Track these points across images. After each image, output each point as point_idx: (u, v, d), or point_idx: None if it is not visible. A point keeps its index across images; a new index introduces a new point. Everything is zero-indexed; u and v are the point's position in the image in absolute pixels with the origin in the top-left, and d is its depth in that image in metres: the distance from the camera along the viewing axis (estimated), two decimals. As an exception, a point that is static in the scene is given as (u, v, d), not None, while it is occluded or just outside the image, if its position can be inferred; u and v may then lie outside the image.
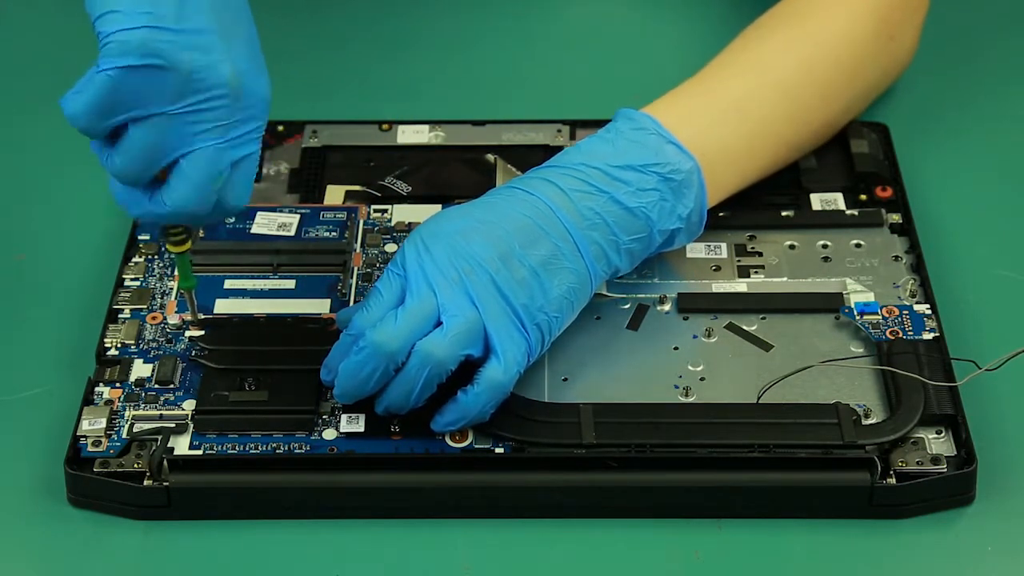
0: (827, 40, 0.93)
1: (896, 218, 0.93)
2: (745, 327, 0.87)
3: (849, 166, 0.96)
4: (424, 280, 0.81)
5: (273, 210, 0.94)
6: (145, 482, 0.80)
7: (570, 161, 0.85)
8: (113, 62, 0.73)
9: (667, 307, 0.88)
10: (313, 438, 0.82)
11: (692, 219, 0.86)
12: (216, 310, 0.88)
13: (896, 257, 0.91)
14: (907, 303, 0.88)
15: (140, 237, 0.93)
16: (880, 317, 0.87)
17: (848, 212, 0.94)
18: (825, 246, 0.92)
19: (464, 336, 0.80)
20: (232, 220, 0.93)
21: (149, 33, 0.73)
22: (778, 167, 0.94)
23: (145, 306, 0.89)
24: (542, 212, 0.83)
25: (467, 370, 0.80)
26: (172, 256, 0.84)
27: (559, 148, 0.99)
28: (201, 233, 0.92)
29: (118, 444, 0.81)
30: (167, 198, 0.77)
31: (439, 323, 0.80)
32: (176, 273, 0.85)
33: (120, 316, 0.88)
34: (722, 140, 0.88)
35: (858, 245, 0.92)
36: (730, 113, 0.89)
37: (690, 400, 0.84)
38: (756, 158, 0.91)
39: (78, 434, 0.82)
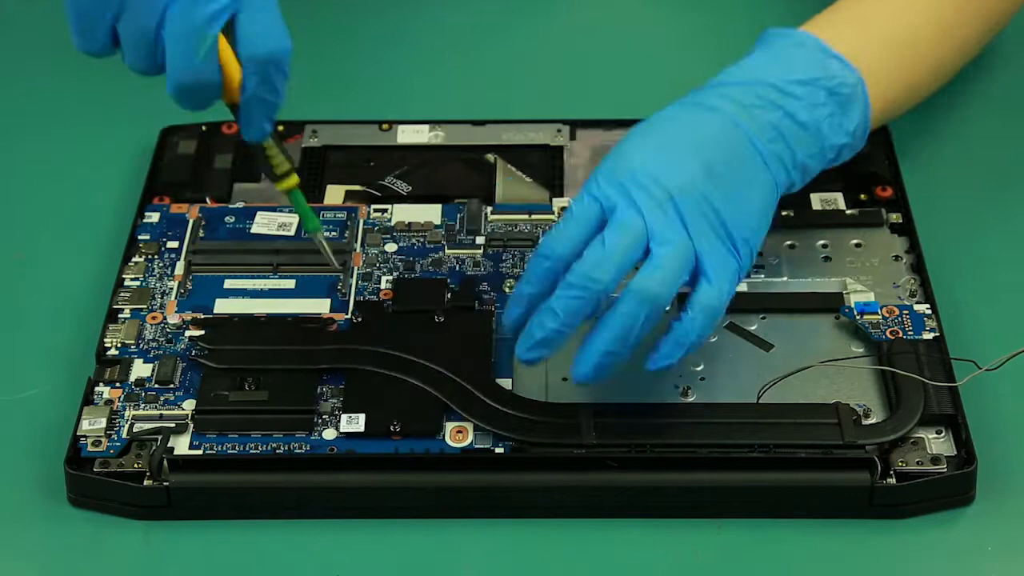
0: None
1: (896, 218, 0.93)
2: (745, 327, 0.87)
3: (849, 166, 0.96)
4: (630, 203, 0.78)
5: (273, 210, 0.94)
6: (145, 482, 0.80)
7: (738, 78, 0.84)
8: None
9: (667, 307, 0.88)
10: (313, 438, 0.82)
11: (857, 134, 0.86)
12: (216, 310, 0.88)
13: (896, 257, 0.91)
14: (907, 303, 0.88)
15: (140, 237, 0.93)
16: (880, 317, 0.87)
17: (848, 212, 0.94)
18: (825, 246, 0.92)
19: (680, 266, 0.77)
20: (232, 220, 0.93)
21: None
22: (924, 94, 0.93)
23: (145, 306, 0.89)
24: (730, 128, 0.82)
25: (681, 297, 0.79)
26: (288, 196, 0.81)
27: (559, 148, 0.99)
28: (201, 233, 0.93)
29: (118, 444, 0.81)
30: (168, 75, 0.73)
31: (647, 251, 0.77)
32: (301, 217, 0.81)
33: (120, 316, 0.88)
34: (873, 59, 0.87)
35: (858, 245, 0.92)
36: (878, 33, 0.88)
37: (690, 400, 0.84)
38: (903, 78, 0.90)
39: (78, 434, 0.82)
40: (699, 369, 0.85)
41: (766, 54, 0.86)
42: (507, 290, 0.89)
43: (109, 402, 0.83)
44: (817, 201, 0.94)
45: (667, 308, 0.79)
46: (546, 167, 0.98)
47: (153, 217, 0.94)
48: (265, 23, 0.73)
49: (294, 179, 0.80)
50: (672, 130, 0.82)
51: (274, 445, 0.81)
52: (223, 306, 0.88)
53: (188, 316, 0.88)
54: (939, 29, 0.92)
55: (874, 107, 0.88)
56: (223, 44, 0.74)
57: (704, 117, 0.83)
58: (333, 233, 0.93)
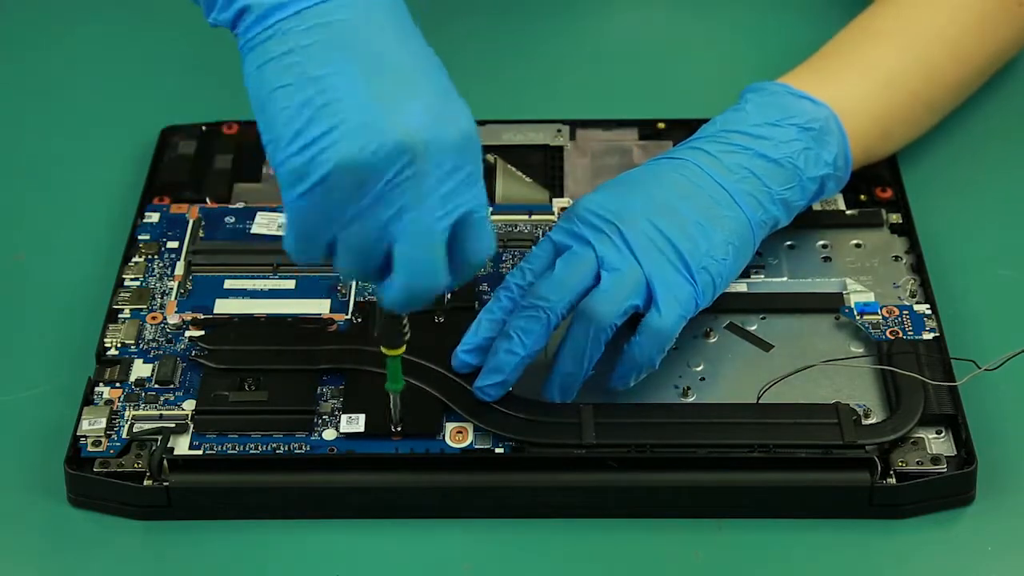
0: (956, 4, 0.96)
1: (896, 218, 0.93)
2: (745, 327, 0.87)
3: (849, 166, 0.96)
4: (580, 237, 0.82)
5: (273, 210, 0.94)
6: (145, 482, 0.80)
7: (708, 132, 0.88)
8: (289, 194, 0.70)
9: (614, 327, 0.87)
10: (313, 438, 0.82)
11: (838, 164, 0.89)
12: (216, 310, 0.88)
13: (896, 257, 0.91)
14: (907, 303, 0.88)
15: (140, 237, 0.93)
16: (880, 317, 0.87)
17: (848, 212, 0.94)
18: (825, 246, 0.92)
19: (627, 290, 0.81)
20: (232, 220, 0.93)
21: (304, 154, 0.69)
22: (921, 128, 0.96)
23: (145, 306, 0.89)
24: (692, 171, 0.85)
25: (638, 321, 0.82)
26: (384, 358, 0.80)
27: (559, 148, 0.99)
28: (201, 233, 0.93)
29: (118, 444, 0.81)
30: (397, 283, 0.72)
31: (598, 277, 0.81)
32: (388, 377, 0.80)
33: (120, 316, 0.88)
34: (854, 97, 0.91)
35: (858, 245, 0.92)
36: (859, 72, 0.92)
37: (690, 400, 0.84)
38: (893, 115, 0.93)
39: (78, 434, 0.82)
40: (699, 369, 0.85)
41: (737, 110, 0.89)
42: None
43: (109, 402, 0.83)
44: (817, 201, 0.94)
45: (615, 328, 0.81)
46: (546, 167, 0.98)
47: (153, 217, 0.94)
48: (483, 232, 0.74)
49: (403, 348, 0.78)
50: (630, 176, 0.86)
51: (274, 445, 0.81)
52: (223, 306, 0.88)
53: (188, 316, 0.88)
54: (921, 71, 0.94)
55: (864, 142, 0.91)
56: None
57: (666, 165, 0.86)
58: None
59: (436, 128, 0.71)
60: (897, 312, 0.87)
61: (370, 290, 0.89)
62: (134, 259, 0.92)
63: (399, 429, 0.82)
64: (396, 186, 0.70)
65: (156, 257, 0.92)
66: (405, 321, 0.77)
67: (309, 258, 0.73)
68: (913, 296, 0.89)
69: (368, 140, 0.69)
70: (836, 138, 0.89)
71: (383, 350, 0.78)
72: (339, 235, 0.72)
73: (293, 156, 0.70)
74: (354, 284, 0.89)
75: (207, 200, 0.95)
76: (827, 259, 0.91)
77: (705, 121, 0.92)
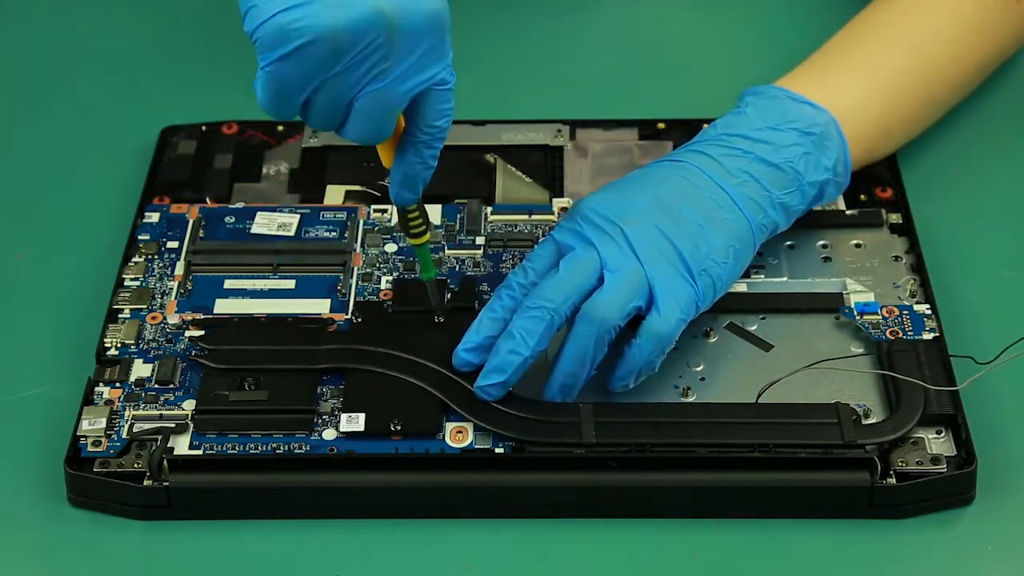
0: (954, 3, 0.96)
1: (896, 218, 0.93)
2: (745, 327, 0.87)
3: (849, 166, 0.96)
4: (584, 238, 0.83)
5: (273, 210, 0.94)
6: (145, 482, 0.80)
7: (709, 136, 0.88)
8: (265, 57, 0.74)
9: (617, 328, 0.87)
10: (313, 438, 0.82)
11: (838, 169, 0.89)
12: (216, 310, 0.88)
13: (896, 257, 0.91)
14: (907, 303, 0.88)
15: (140, 237, 0.93)
16: (880, 317, 0.87)
17: (848, 212, 0.94)
18: (825, 246, 0.92)
19: (629, 291, 0.81)
20: (232, 220, 0.93)
21: (282, 17, 0.73)
22: (921, 126, 0.97)
23: (145, 306, 0.89)
24: (694, 174, 0.85)
25: (639, 323, 0.82)
26: (412, 248, 0.85)
27: (559, 148, 0.99)
28: (201, 233, 0.93)
29: (118, 444, 0.81)
30: (347, 134, 0.77)
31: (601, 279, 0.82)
32: (418, 265, 0.86)
33: (120, 316, 0.88)
34: (854, 97, 0.91)
35: (858, 245, 0.92)
36: (859, 72, 0.92)
37: (690, 400, 0.84)
38: (893, 114, 0.93)
39: (78, 434, 0.82)
40: (699, 369, 0.85)
41: (737, 113, 0.89)
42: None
43: (109, 402, 0.83)
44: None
45: (617, 329, 0.81)
46: (546, 167, 0.98)
47: (153, 217, 0.94)
48: (446, 102, 0.79)
49: (427, 236, 0.84)
50: (632, 178, 0.87)
51: (274, 445, 0.81)
52: (223, 306, 0.88)
53: (188, 316, 0.88)
54: (920, 69, 0.95)
55: (864, 143, 0.91)
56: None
57: (668, 167, 0.86)
58: (333, 233, 0.93)
59: (411, 3, 0.75)
60: (897, 312, 0.87)
61: (369, 291, 0.89)
62: (134, 259, 0.92)
63: (442, 320, 0.85)
64: (365, 57, 0.74)
65: (156, 257, 0.92)
66: (417, 208, 0.82)
67: (283, 116, 0.77)
68: (913, 296, 0.89)
69: (345, 12, 0.73)
70: (836, 143, 0.89)
71: (409, 240, 0.83)
72: (312, 97, 0.75)
73: (271, 19, 0.73)
74: (354, 284, 0.90)
75: (207, 200, 0.95)
76: (827, 259, 0.91)
77: (705, 121, 0.92)
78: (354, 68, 0.75)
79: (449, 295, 0.88)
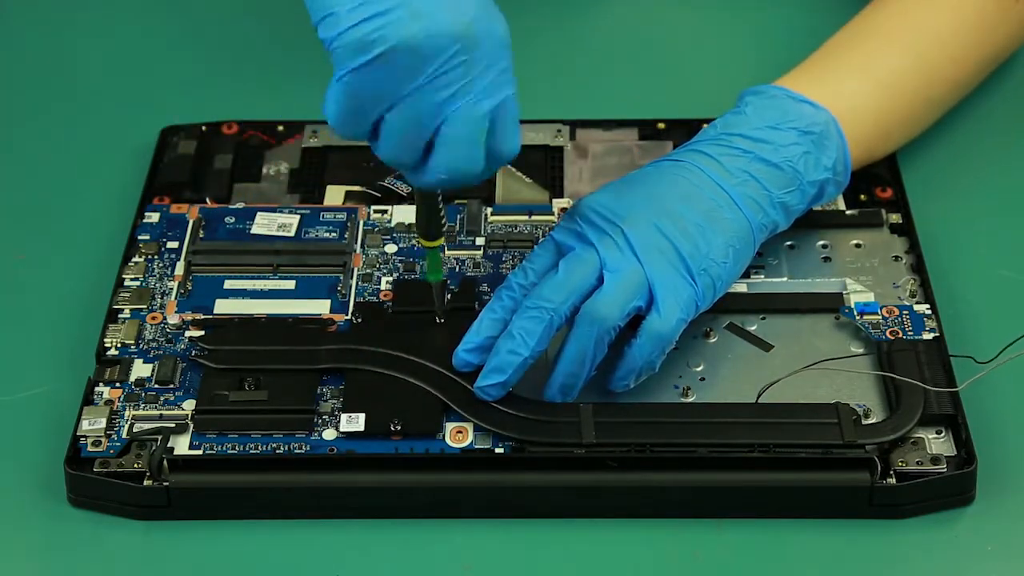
0: (953, 3, 0.96)
1: (896, 218, 0.94)
2: (745, 327, 0.87)
3: (849, 166, 0.96)
4: (583, 238, 0.83)
5: (273, 210, 0.94)
6: (145, 482, 0.80)
7: (708, 135, 0.88)
8: (343, 67, 0.73)
9: (617, 329, 0.87)
10: (313, 438, 0.82)
11: (838, 169, 0.89)
12: (216, 310, 0.88)
13: (896, 257, 0.91)
14: (907, 303, 0.88)
15: (140, 237, 0.93)
16: (880, 317, 0.87)
17: (848, 212, 0.94)
18: (825, 246, 0.92)
19: (629, 291, 0.81)
20: (232, 220, 0.93)
21: (364, 27, 0.72)
22: (921, 126, 0.97)
23: (145, 306, 0.89)
24: (694, 173, 0.85)
25: (639, 323, 0.82)
26: (424, 250, 0.84)
27: (559, 148, 0.99)
28: (201, 233, 0.93)
29: (118, 444, 0.81)
30: (437, 166, 0.76)
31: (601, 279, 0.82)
32: (426, 267, 0.85)
33: (120, 316, 0.88)
34: (853, 97, 0.91)
35: (858, 245, 0.92)
36: (858, 72, 0.93)
37: (690, 400, 0.84)
38: (892, 114, 0.94)
39: (78, 434, 0.82)
40: (699, 369, 0.85)
41: (737, 113, 0.89)
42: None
43: (109, 402, 0.83)
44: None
45: (617, 329, 0.81)
46: (546, 167, 0.98)
47: (153, 217, 0.94)
48: (515, 126, 0.78)
49: (441, 240, 0.83)
50: (632, 178, 0.86)
51: (274, 445, 0.81)
52: (223, 306, 0.88)
53: (188, 316, 0.88)
54: (918, 69, 0.95)
55: (864, 142, 0.91)
56: None
57: (667, 167, 0.86)
58: (333, 234, 0.93)
59: (487, 22, 0.75)
60: (897, 312, 0.87)
61: (369, 292, 0.89)
62: (134, 259, 0.92)
63: (442, 320, 0.85)
64: (448, 71, 0.74)
65: (156, 257, 0.92)
66: (442, 210, 0.82)
67: (353, 135, 0.76)
68: (913, 296, 0.89)
69: (428, 23, 0.73)
70: (836, 143, 0.89)
71: (422, 242, 0.83)
72: (387, 114, 0.75)
73: (352, 29, 0.72)
74: (353, 285, 0.89)
75: (207, 200, 0.95)
76: (827, 259, 0.91)
77: (705, 121, 0.92)
78: (436, 81, 0.74)
79: (449, 296, 0.88)
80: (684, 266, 0.82)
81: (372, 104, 0.74)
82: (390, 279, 0.90)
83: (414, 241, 0.92)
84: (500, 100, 0.76)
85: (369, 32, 0.72)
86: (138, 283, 0.90)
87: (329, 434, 0.82)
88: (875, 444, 0.80)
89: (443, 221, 0.82)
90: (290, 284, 0.90)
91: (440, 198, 0.82)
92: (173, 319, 0.88)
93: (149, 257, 0.92)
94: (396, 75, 0.73)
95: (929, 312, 0.87)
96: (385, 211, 0.95)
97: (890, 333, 0.86)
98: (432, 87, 0.74)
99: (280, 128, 1.01)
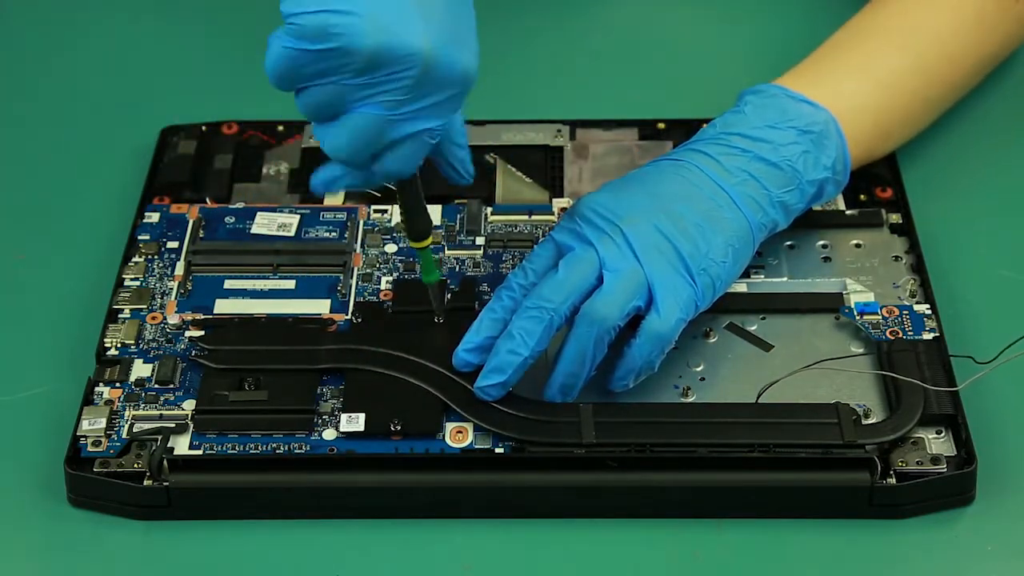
0: (952, 3, 0.96)
1: (896, 218, 0.94)
2: (745, 327, 0.87)
3: (849, 166, 0.96)
4: (583, 237, 0.83)
5: (273, 210, 0.94)
6: (145, 482, 0.80)
7: (708, 134, 0.88)
8: (289, 42, 0.74)
9: (617, 328, 0.87)
10: (313, 438, 0.82)
11: (837, 168, 0.89)
12: (216, 310, 0.88)
13: (896, 257, 0.91)
14: (907, 303, 0.88)
15: (140, 237, 0.93)
16: (880, 317, 0.87)
17: (848, 212, 0.94)
18: (825, 246, 0.92)
19: (629, 291, 0.81)
20: (232, 220, 0.93)
21: (327, 18, 0.72)
22: (920, 126, 0.97)
23: (145, 306, 0.89)
24: (693, 173, 0.85)
25: (638, 322, 0.82)
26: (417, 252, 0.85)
27: (559, 148, 0.99)
28: (201, 233, 0.93)
29: (118, 444, 0.81)
30: (326, 137, 0.77)
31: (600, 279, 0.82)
32: (422, 269, 0.85)
33: (120, 316, 0.88)
34: (852, 97, 0.91)
35: (858, 245, 0.92)
36: (857, 72, 0.92)
37: (690, 400, 0.84)
38: (892, 114, 0.93)
39: (78, 434, 0.82)
40: (699, 369, 0.85)
41: (736, 112, 0.89)
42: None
43: (109, 402, 0.83)
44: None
45: (617, 329, 0.81)
46: (546, 167, 0.98)
47: (153, 217, 0.94)
48: (416, 157, 0.79)
49: (429, 240, 0.84)
50: (631, 178, 0.87)
51: (274, 445, 0.81)
52: (223, 306, 0.88)
53: (188, 316, 0.88)
54: (917, 69, 0.95)
55: (863, 142, 0.91)
56: None
57: (667, 166, 0.87)
58: (333, 234, 0.93)
59: (451, 50, 0.75)
60: (897, 312, 0.87)
61: (369, 291, 0.89)
62: (134, 259, 0.92)
63: (442, 320, 0.85)
64: (387, 82, 0.74)
65: (156, 257, 0.92)
66: (425, 209, 0.83)
67: (282, 89, 0.76)
68: (913, 296, 0.89)
69: (389, 36, 0.73)
70: (835, 142, 0.89)
71: (411, 244, 0.83)
72: (309, 86, 0.75)
73: (318, 14, 0.72)
74: (354, 285, 0.89)
75: (207, 200, 0.95)
76: (827, 259, 0.91)
77: (705, 121, 0.92)
78: (372, 86, 0.74)
79: (449, 295, 0.88)
80: (683, 266, 0.82)
81: (305, 77, 0.74)
82: (390, 279, 0.90)
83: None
84: (419, 129, 0.76)
85: (331, 25, 0.72)
86: (138, 283, 0.90)
87: (329, 434, 0.82)
88: (875, 444, 0.80)
89: (428, 220, 0.83)
90: (290, 284, 0.90)
91: (421, 197, 0.82)
92: (173, 319, 0.88)
93: (149, 257, 0.92)
94: (336, 69, 0.74)
95: (929, 312, 0.87)
96: (385, 211, 0.95)
97: (890, 333, 0.86)
98: (363, 89, 0.74)
99: (280, 128, 1.01)
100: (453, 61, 0.75)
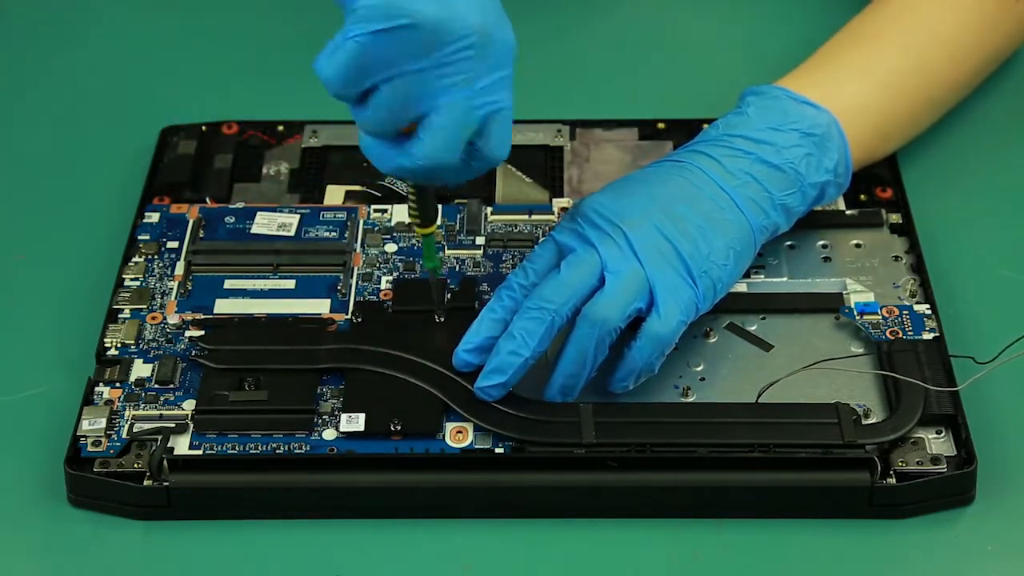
0: (952, 4, 0.96)
1: (896, 218, 0.94)
2: (745, 327, 0.87)
3: (849, 166, 0.96)
4: (584, 239, 0.83)
5: (273, 210, 0.94)
6: (145, 482, 0.80)
7: (710, 136, 0.88)
8: (362, 28, 0.73)
9: (619, 330, 0.87)
10: (313, 438, 0.82)
11: (839, 171, 0.89)
12: (216, 310, 0.88)
13: (896, 257, 0.91)
14: (907, 303, 0.88)
15: (140, 237, 0.93)
16: (880, 317, 0.87)
17: (848, 212, 0.94)
18: (825, 246, 0.92)
19: (630, 292, 0.81)
20: (232, 220, 0.93)
21: None
22: (921, 127, 0.97)
23: (145, 306, 0.89)
24: (695, 175, 0.85)
25: (638, 324, 0.82)
26: (419, 239, 0.84)
27: (559, 148, 0.99)
28: (201, 233, 0.93)
29: (118, 444, 0.81)
30: (416, 151, 0.76)
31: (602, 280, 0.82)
32: (423, 255, 0.85)
33: (120, 316, 0.88)
34: (854, 99, 0.91)
35: (858, 245, 0.92)
36: (858, 73, 0.92)
37: (690, 400, 0.84)
38: (892, 115, 0.94)
39: (78, 434, 0.82)
40: (699, 369, 0.85)
41: (739, 113, 0.89)
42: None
43: (109, 402, 0.84)
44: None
45: (618, 331, 0.81)
46: (546, 167, 0.98)
47: (153, 217, 0.94)
48: (507, 133, 0.79)
49: (434, 226, 0.83)
50: (633, 178, 0.87)
51: (274, 445, 0.81)
52: (223, 306, 0.88)
53: (188, 316, 0.88)
54: (918, 69, 0.95)
55: (865, 144, 0.91)
56: None
57: (669, 168, 0.87)
58: (333, 234, 0.93)
59: (502, 28, 0.76)
60: (897, 312, 0.87)
61: (369, 291, 0.89)
62: (134, 259, 0.92)
63: (442, 320, 0.85)
64: (456, 61, 0.74)
65: (156, 257, 0.92)
66: (432, 197, 0.82)
67: (342, 94, 0.75)
68: (913, 296, 0.89)
69: (452, 9, 0.73)
70: (837, 144, 0.89)
71: (416, 229, 0.82)
72: (383, 85, 0.74)
73: None
74: (354, 284, 0.89)
75: (207, 200, 0.95)
76: (827, 259, 0.91)
77: (705, 121, 0.92)
78: (443, 68, 0.74)
79: (449, 295, 0.88)
80: (685, 268, 0.82)
81: (376, 70, 0.74)
82: (390, 278, 0.90)
83: (414, 241, 0.92)
84: (496, 104, 0.77)
85: (396, 2, 0.72)
86: (138, 283, 0.90)
87: (329, 434, 0.82)
88: (875, 444, 0.80)
89: (436, 206, 0.83)
90: (290, 284, 0.90)
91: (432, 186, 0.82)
92: (173, 319, 0.88)
93: (149, 257, 0.92)
94: (408, 49, 0.73)
95: (929, 312, 0.87)
96: (385, 211, 0.95)
97: (890, 333, 0.86)
98: (436, 72, 0.74)
99: (280, 128, 1.01)
100: (505, 36, 0.76)
